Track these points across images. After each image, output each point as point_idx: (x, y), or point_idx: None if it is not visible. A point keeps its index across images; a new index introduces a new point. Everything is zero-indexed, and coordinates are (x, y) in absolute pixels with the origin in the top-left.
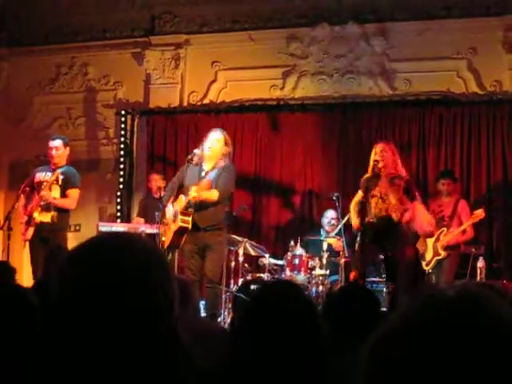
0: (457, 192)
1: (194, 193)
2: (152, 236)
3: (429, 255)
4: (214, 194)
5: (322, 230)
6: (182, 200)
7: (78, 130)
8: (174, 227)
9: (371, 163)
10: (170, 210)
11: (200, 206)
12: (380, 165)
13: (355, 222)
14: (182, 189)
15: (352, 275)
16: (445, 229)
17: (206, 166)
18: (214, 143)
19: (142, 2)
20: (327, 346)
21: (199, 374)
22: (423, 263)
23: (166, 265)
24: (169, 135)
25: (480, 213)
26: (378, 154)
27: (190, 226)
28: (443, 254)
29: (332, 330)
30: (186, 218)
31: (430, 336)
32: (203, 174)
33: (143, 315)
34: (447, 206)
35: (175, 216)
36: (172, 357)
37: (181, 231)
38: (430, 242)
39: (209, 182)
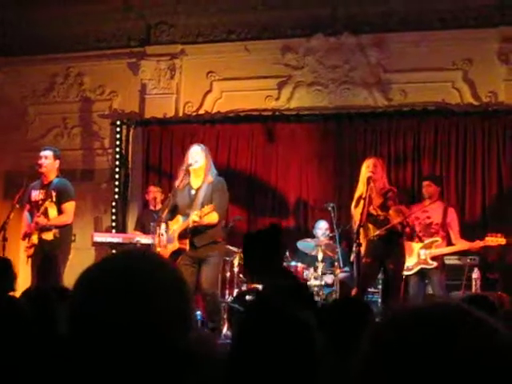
0: (440, 198)
1: (195, 217)
2: (147, 246)
3: (412, 260)
4: (214, 218)
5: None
6: (180, 221)
7: (73, 139)
8: (171, 247)
9: (362, 177)
10: (163, 228)
11: (197, 228)
12: (371, 179)
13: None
14: (177, 209)
15: (354, 292)
16: (439, 239)
17: (194, 184)
18: (196, 157)
19: (138, 12)
20: (322, 359)
21: None
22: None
23: (181, 283)
24: (164, 145)
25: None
26: (371, 168)
27: (187, 247)
28: (434, 264)
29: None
30: (184, 240)
31: (400, 355)
32: (193, 192)
33: (156, 336)
34: (435, 213)
35: (172, 238)
36: (185, 379)
37: (178, 252)
38: (416, 247)
39: (212, 208)
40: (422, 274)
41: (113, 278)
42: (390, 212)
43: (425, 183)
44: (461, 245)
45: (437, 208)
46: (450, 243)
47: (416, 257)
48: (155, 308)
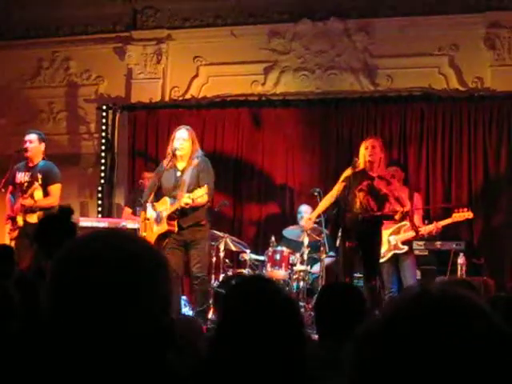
0: (404, 183)
1: (187, 199)
2: (133, 231)
3: (383, 247)
4: (204, 198)
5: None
6: (167, 202)
7: (59, 124)
8: (158, 230)
9: (361, 158)
10: (150, 210)
11: (183, 209)
12: (369, 159)
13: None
14: (160, 191)
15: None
16: (407, 223)
17: (180, 166)
18: (181, 142)
19: None
20: (307, 343)
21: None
22: None
23: (160, 260)
24: (150, 130)
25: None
26: (369, 149)
27: (176, 229)
28: (405, 248)
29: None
30: (173, 222)
31: (419, 334)
32: (178, 174)
33: (136, 317)
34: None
35: (160, 219)
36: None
37: (166, 234)
38: (385, 234)
39: (206, 190)
40: (394, 259)
41: (88, 251)
42: (390, 198)
43: (391, 169)
44: (425, 228)
45: (404, 193)
46: None
47: (386, 243)
48: (132, 282)
